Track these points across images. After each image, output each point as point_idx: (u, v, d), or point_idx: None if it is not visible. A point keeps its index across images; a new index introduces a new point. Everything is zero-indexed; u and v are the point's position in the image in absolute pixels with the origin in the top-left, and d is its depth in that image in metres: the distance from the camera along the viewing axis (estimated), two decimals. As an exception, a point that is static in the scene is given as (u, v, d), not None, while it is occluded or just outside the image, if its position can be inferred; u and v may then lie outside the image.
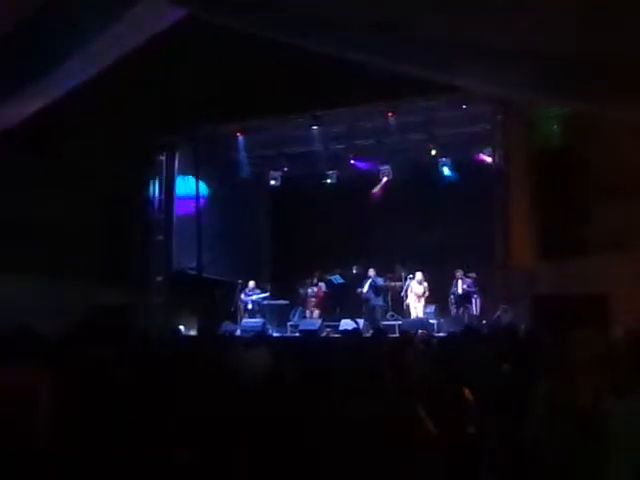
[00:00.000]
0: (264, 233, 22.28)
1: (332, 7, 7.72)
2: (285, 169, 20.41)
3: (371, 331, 13.26)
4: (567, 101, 9.23)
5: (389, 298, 18.26)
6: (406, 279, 17.64)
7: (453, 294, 17.01)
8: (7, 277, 12.84)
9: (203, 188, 19.14)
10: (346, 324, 15.76)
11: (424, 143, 18.16)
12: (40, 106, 11.27)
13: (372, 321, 16.71)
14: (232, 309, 18.51)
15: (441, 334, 14.29)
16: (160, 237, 18.47)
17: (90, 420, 4.85)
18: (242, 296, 18.37)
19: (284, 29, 9.11)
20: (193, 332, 16.38)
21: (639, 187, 12.72)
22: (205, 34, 11.66)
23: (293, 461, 4.13)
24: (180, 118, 16.43)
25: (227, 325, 16.88)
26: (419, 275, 17.28)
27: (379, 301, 17.91)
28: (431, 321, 16.65)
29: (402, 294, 17.64)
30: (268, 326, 17.73)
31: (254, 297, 18.31)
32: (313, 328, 16.67)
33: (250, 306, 18.24)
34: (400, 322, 16.84)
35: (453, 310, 17.10)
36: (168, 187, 18.79)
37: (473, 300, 16.68)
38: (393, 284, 18.33)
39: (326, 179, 19.99)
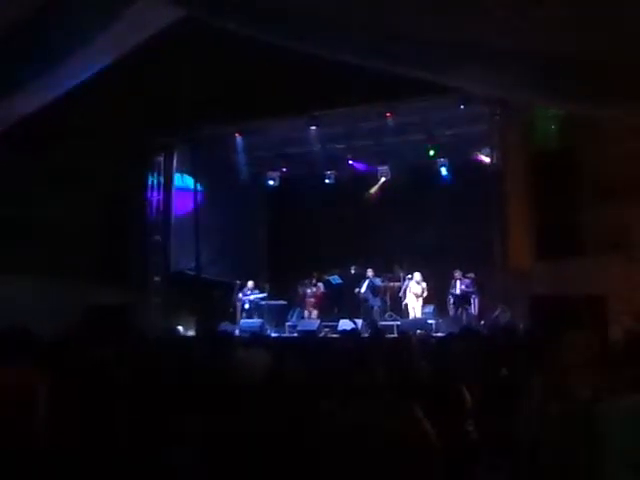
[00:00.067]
0: (262, 234, 22.26)
1: (331, 9, 7.71)
2: (283, 170, 20.45)
3: (369, 331, 13.25)
4: (565, 102, 9.23)
5: (387, 298, 18.26)
6: (404, 279, 17.65)
7: (451, 294, 17.01)
8: (6, 277, 12.85)
9: (201, 188, 19.13)
10: (344, 324, 15.78)
11: (422, 144, 18.16)
12: (39, 106, 11.27)
13: (370, 321, 16.69)
14: (230, 309, 18.50)
15: (439, 334, 14.30)
16: (158, 237, 18.47)
17: (89, 420, 4.85)
18: (240, 296, 18.37)
19: (283, 30, 9.12)
20: (191, 332, 16.38)
21: (637, 188, 12.75)
22: (204, 35, 11.65)
23: (292, 461, 4.13)
24: (178, 119, 16.43)
25: (225, 325, 16.86)
26: (417, 275, 17.28)
27: (377, 301, 17.93)
28: (429, 321, 16.65)
29: (400, 294, 17.65)
30: (266, 326, 17.74)
31: (252, 297, 18.32)
32: (311, 328, 16.68)
33: (247, 306, 18.26)
34: (398, 322, 16.84)
35: (451, 310, 17.10)
36: (166, 187, 18.78)
37: (471, 300, 16.69)
38: (391, 284, 18.32)
39: (324, 179, 19.99)
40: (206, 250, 18.73)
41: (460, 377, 5.46)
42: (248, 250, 20.87)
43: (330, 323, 17.25)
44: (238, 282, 18.62)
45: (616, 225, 13.27)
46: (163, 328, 15.64)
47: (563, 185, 14.22)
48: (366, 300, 17.93)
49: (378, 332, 10.65)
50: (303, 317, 18.46)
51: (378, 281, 18.05)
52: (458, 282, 16.88)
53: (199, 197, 18.95)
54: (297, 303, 19.11)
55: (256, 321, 17.77)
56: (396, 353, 5.65)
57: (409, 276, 17.49)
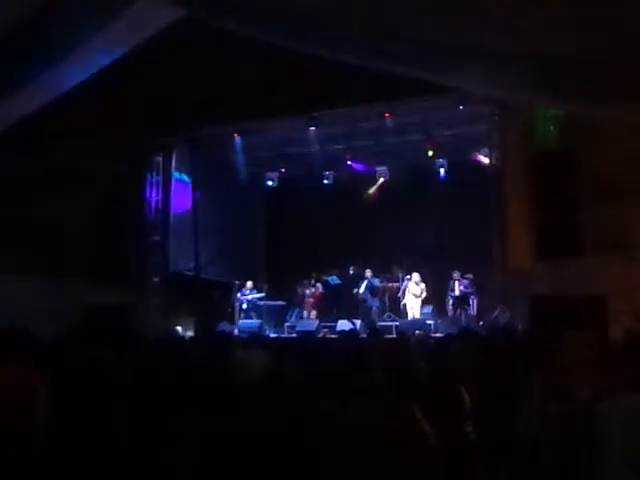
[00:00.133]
0: (261, 234, 22.25)
1: (331, 9, 7.71)
2: (282, 170, 20.44)
3: (367, 331, 13.25)
4: (565, 102, 9.23)
5: (386, 299, 18.23)
6: (403, 280, 17.65)
7: (450, 295, 17.01)
8: (6, 277, 12.84)
9: (200, 189, 19.13)
10: (343, 325, 15.77)
11: (421, 144, 18.13)
12: (39, 106, 11.27)
13: (369, 322, 16.69)
14: (229, 310, 18.50)
15: (438, 335, 14.30)
16: (157, 237, 18.46)
17: (88, 420, 4.85)
18: (238, 295, 18.37)
19: (283, 30, 9.11)
20: (190, 333, 16.36)
21: (637, 188, 12.75)
22: (203, 35, 11.65)
23: (290, 461, 4.13)
24: (178, 119, 16.43)
25: (224, 326, 16.85)
26: (416, 276, 17.28)
27: (375, 302, 17.92)
28: (428, 322, 16.64)
29: (399, 295, 17.65)
30: (265, 327, 17.75)
31: (250, 297, 18.33)
32: (310, 329, 16.68)
33: (246, 306, 18.27)
34: (397, 323, 16.84)
35: (450, 311, 17.09)
36: (165, 187, 18.78)
37: (470, 301, 16.69)
38: (390, 285, 18.31)
39: (323, 180, 19.99)
40: (205, 250, 18.74)
41: (459, 377, 5.46)
42: (247, 250, 20.87)
43: (329, 323, 17.24)
44: (237, 282, 18.63)
45: (616, 225, 13.28)
46: (162, 328, 15.64)
47: (562, 185, 14.22)
48: (365, 300, 17.93)
49: (376, 332, 10.64)
50: (302, 317, 18.47)
51: (377, 281, 18.05)
52: (457, 282, 16.88)
53: (198, 197, 18.95)
54: (296, 303, 19.12)
55: (255, 321, 17.77)
56: (395, 353, 5.64)
57: (408, 276, 17.50)
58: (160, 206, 18.66)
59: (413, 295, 17.27)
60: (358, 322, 16.36)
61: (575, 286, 13.04)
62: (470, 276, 16.81)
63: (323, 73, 12.54)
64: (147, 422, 4.99)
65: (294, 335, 16.79)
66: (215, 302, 18.63)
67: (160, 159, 18.78)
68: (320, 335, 16.20)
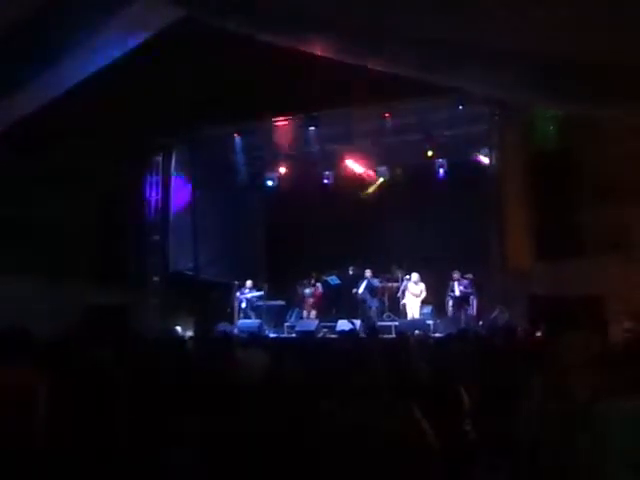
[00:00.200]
0: (261, 234, 22.23)
1: (331, 9, 7.72)
2: (282, 170, 20.41)
3: (366, 331, 13.25)
4: (565, 102, 9.24)
5: (385, 299, 18.22)
6: (403, 280, 17.64)
7: (450, 295, 16.99)
8: (6, 277, 12.84)
9: (200, 189, 19.13)
10: (342, 325, 15.76)
11: (421, 144, 18.12)
12: (39, 106, 11.27)
13: (368, 322, 16.69)
14: (228, 310, 18.50)
15: (437, 335, 14.30)
16: (156, 237, 18.46)
17: (88, 420, 4.84)
18: (237, 294, 18.38)
19: (282, 31, 9.13)
20: (190, 333, 16.36)
21: (636, 188, 12.75)
22: (203, 35, 11.66)
23: (291, 461, 4.12)
24: (177, 119, 16.42)
25: (223, 326, 16.85)
26: (416, 276, 17.27)
27: (375, 302, 17.92)
28: (428, 322, 16.64)
29: (399, 295, 17.64)
30: (265, 327, 17.75)
31: (249, 295, 18.32)
32: (310, 329, 16.68)
33: (245, 304, 18.27)
34: (396, 323, 16.83)
35: (450, 311, 17.08)
36: (164, 187, 18.77)
37: (470, 301, 16.69)
38: (389, 285, 18.29)
39: (323, 180, 19.97)
40: (204, 250, 18.76)
41: (458, 377, 5.46)
42: (246, 250, 20.85)
43: (328, 324, 17.24)
44: (236, 282, 18.63)
45: (615, 225, 13.29)
46: (161, 328, 15.64)
47: (562, 185, 14.23)
48: (364, 301, 17.93)
49: (374, 332, 10.65)
50: (302, 317, 18.47)
51: (376, 282, 18.05)
52: (456, 283, 16.86)
53: (197, 197, 18.95)
54: (296, 303, 19.12)
55: (254, 321, 17.78)
56: (394, 354, 5.64)
57: (407, 277, 17.49)
58: (160, 206, 18.65)
59: (413, 295, 17.26)
60: (358, 322, 16.34)
61: (574, 286, 13.06)
62: (470, 276, 16.80)
63: (323, 73, 12.54)
64: (147, 422, 4.99)
65: (294, 335, 16.78)
66: (214, 302, 18.63)
67: (160, 159, 18.78)
68: (320, 335, 16.20)
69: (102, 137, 15.24)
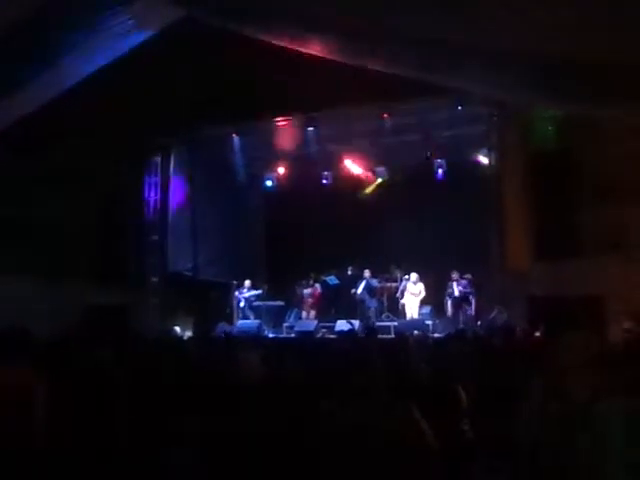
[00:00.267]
0: (260, 234, 22.20)
1: (331, 9, 7.72)
2: (280, 170, 20.39)
3: (364, 332, 13.25)
4: (565, 102, 9.24)
5: (384, 299, 18.22)
6: (401, 280, 17.63)
7: (449, 295, 16.99)
8: (6, 277, 12.84)
9: (199, 189, 19.12)
10: (341, 325, 15.75)
11: (420, 144, 18.11)
12: (39, 106, 11.27)
13: (367, 322, 16.69)
14: (227, 310, 18.50)
15: (436, 335, 14.30)
16: (155, 237, 18.46)
17: (87, 420, 4.84)
18: (236, 294, 18.37)
19: (282, 31, 9.14)
20: (189, 333, 16.36)
21: (635, 188, 12.77)
22: (203, 35, 11.66)
23: (291, 461, 4.13)
24: (177, 119, 16.41)
25: (222, 326, 16.85)
26: (414, 276, 17.27)
27: (373, 302, 17.92)
28: (427, 322, 16.63)
29: (397, 295, 17.64)
30: (264, 327, 17.74)
31: (247, 294, 18.31)
32: (309, 329, 16.67)
33: (243, 304, 18.26)
34: (395, 323, 16.83)
35: (449, 311, 17.08)
36: (163, 188, 18.77)
37: (469, 301, 16.68)
38: (388, 285, 18.29)
39: (321, 180, 19.94)
40: (203, 251, 18.75)
41: (457, 377, 5.46)
42: (245, 251, 20.81)
43: (327, 324, 17.23)
44: (235, 282, 18.62)
45: (614, 225, 13.31)
46: (161, 328, 15.64)
47: (561, 186, 14.25)
48: (363, 301, 17.93)
49: (372, 332, 10.64)
50: (301, 318, 18.46)
51: (375, 282, 18.05)
52: (455, 283, 16.86)
53: (196, 197, 18.95)
54: (295, 304, 19.10)
55: (254, 322, 17.77)
56: (393, 354, 5.65)
57: (406, 277, 17.47)
58: (159, 206, 18.65)
59: (412, 295, 17.26)
60: (356, 322, 16.33)
61: (573, 287, 13.08)
62: (469, 276, 16.80)
63: (322, 73, 12.54)
64: (147, 422, 4.99)
65: (293, 335, 16.77)
66: (213, 302, 18.64)
67: (159, 159, 18.77)
68: (319, 335, 16.19)
69: (102, 137, 15.24)
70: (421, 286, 17.22)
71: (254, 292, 18.43)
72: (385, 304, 18.19)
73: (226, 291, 18.75)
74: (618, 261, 12.99)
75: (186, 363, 6.36)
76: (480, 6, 6.51)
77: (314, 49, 9.85)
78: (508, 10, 6.36)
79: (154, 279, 18.25)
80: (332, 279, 18.72)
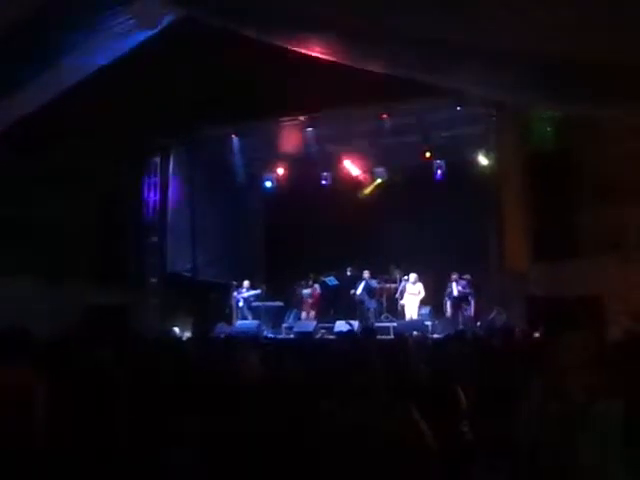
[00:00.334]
0: (259, 235, 22.20)
1: (331, 9, 7.72)
2: (280, 171, 20.39)
3: (361, 332, 13.24)
4: (565, 102, 9.25)
5: (383, 300, 18.24)
6: (401, 281, 17.63)
7: (448, 296, 17.01)
8: (6, 277, 12.84)
9: (198, 190, 19.12)
10: (340, 326, 15.74)
11: (418, 145, 18.10)
12: (39, 106, 11.26)
13: (366, 323, 16.68)
14: (227, 310, 18.49)
15: (436, 335, 14.30)
16: (155, 238, 18.45)
17: (87, 420, 4.84)
18: (235, 294, 18.37)
19: (282, 31, 9.14)
20: (188, 334, 16.36)
21: (634, 189, 12.77)
22: (203, 35, 11.65)
23: (290, 461, 4.13)
24: (176, 119, 16.41)
25: (222, 327, 16.86)
26: (414, 276, 17.27)
27: (373, 303, 17.93)
28: (426, 323, 16.64)
29: (397, 296, 17.64)
30: (263, 328, 17.74)
31: (246, 294, 18.30)
32: (308, 330, 16.66)
33: (242, 304, 18.25)
34: (395, 324, 16.83)
35: (448, 312, 17.09)
36: (163, 188, 18.76)
37: (468, 302, 16.69)
38: (387, 286, 18.30)
39: (321, 181, 19.93)
40: (203, 251, 18.75)
41: (456, 378, 5.46)
42: (244, 251, 20.81)
43: (326, 324, 17.23)
44: (234, 283, 18.61)
45: (613, 225, 13.32)
46: (160, 329, 15.64)
47: (560, 186, 14.26)
48: (362, 302, 17.94)
49: (370, 332, 10.63)
50: (300, 318, 18.46)
51: (374, 282, 18.06)
52: (454, 283, 16.87)
53: (195, 198, 18.94)
54: (294, 304, 19.10)
55: (253, 322, 17.76)
56: (392, 354, 5.65)
57: (405, 277, 17.48)
58: (158, 207, 18.65)
59: (411, 295, 17.25)
60: (355, 323, 16.31)
61: (572, 287, 13.08)
62: (468, 277, 16.81)
63: (321, 74, 12.53)
64: (146, 422, 4.99)
65: (292, 336, 16.76)
66: (213, 303, 18.63)
67: (158, 160, 18.77)
68: (318, 336, 16.17)
69: (102, 137, 15.24)
70: (420, 286, 17.21)
71: (253, 292, 18.42)
72: (384, 305, 18.21)
73: (225, 292, 18.74)
74: (617, 261, 13.00)
75: (185, 363, 6.36)
76: (480, 6, 6.51)
77: (314, 49, 9.84)
78: (508, 10, 6.36)
79: (153, 279, 18.25)
80: (331, 280, 18.72)
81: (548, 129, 14.71)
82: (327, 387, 4.32)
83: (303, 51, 10.12)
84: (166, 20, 10.42)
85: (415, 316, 17.18)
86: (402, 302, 17.47)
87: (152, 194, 18.73)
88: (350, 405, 3.66)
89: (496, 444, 5.00)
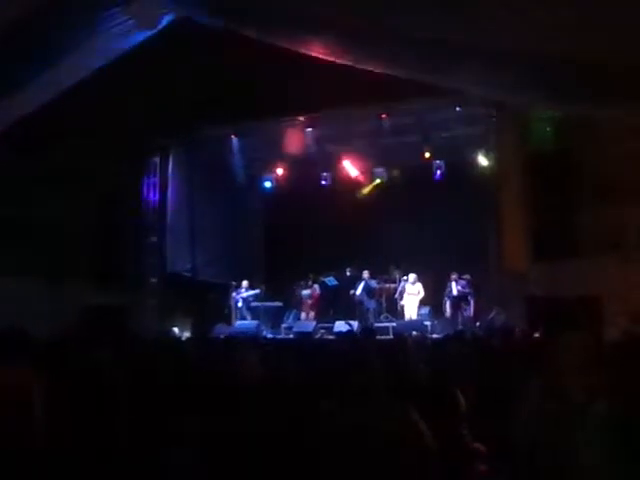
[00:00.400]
0: (258, 235, 22.19)
1: (331, 9, 7.72)
2: (279, 171, 20.38)
3: (360, 332, 13.23)
4: (565, 103, 9.25)
5: (383, 300, 18.23)
6: (400, 281, 17.63)
7: (447, 296, 17.00)
8: (5, 277, 12.84)
9: (197, 190, 19.11)
10: (340, 326, 15.73)
11: (418, 145, 18.08)
12: (39, 106, 11.26)
13: (365, 323, 16.68)
14: (226, 311, 18.49)
15: (435, 335, 14.30)
16: (154, 238, 18.45)
17: (86, 421, 4.84)
18: (234, 294, 18.36)
19: (282, 32, 9.14)
20: (187, 334, 16.36)
21: (634, 189, 12.78)
22: (203, 35, 11.65)
23: (290, 462, 4.12)
24: (176, 119, 16.41)
25: (221, 327, 16.85)
26: (412, 276, 17.26)
27: (372, 303, 17.92)
28: (425, 323, 16.64)
29: (396, 296, 17.63)
30: (262, 328, 17.73)
31: (245, 294, 18.30)
32: (307, 330, 16.65)
33: (241, 304, 18.25)
34: (394, 324, 16.82)
35: (447, 312, 17.09)
36: (162, 188, 18.75)
37: (467, 302, 16.69)
38: (387, 286, 18.29)
39: (320, 181, 19.92)
40: (202, 251, 18.74)
41: (455, 378, 5.46)
42: (244, 252, 20.80)
43: (326, 325, 17.23)
44: (234, 283, 18.61)
45: (613, 225, 13.32)
46: (159, 329, 15.63)
47: (559, 186, 14.26)
48: (361, 302, 17.93)
49: (369, 333, 10.62)
50: (299, 319, 18.45)
51: (373, 283, 18.04)
52: (454, 283, 16.87)
53: (195, 198, 18.94)
54: (293, 305, 19.09)
55: (252, 322, 17.76)
56: (392, 355, 5.64)
57: (405, 277, 17.47)
58: (158, 207, 18.65)
59: (411, 295, 17.25)
60: (355, 323, 16.31)
61: (571, 287, 13.08)
62: (467, 277, 16.80)
63: (321, 74, 12.53)
64: (146, 422, 4.99)
65: (291, 336, 16.76)
66: (212, 303, 18.62)
67: (158, 160, 18.77)
68: (317, 336, 16.17)
69: (102, 137, 15.23)
70: (419, 286, 17.21)
71: (252, 292, 18.41)
72: (384, 305, 18.20)
73: (225, 292, 18.73)
74: (617, 261, 13.00)
75: (184, 363, 6.35)
76: (480, 6, 6.52)
77: (314, 50, 9.85)
78: (508, 10, 6.37)
79: (153, 280, 18.25)
80: (331, 280, 18.71)
81: (548, 129, 14.71)
82: (326, 387, 4.32)
83: (303, 51, 10.12)
84: (165, 20, 10.42)
85: (414, 316, 17.17)
86: (401, 302, 17.46)
87: (152, 194, 18.73)
88: (349, 405, 3.66)
89: (495, 444, 5.00)
